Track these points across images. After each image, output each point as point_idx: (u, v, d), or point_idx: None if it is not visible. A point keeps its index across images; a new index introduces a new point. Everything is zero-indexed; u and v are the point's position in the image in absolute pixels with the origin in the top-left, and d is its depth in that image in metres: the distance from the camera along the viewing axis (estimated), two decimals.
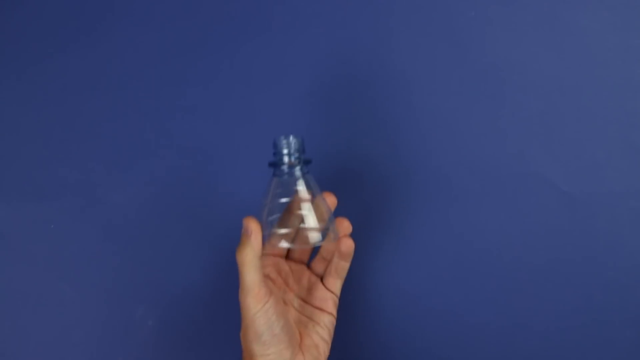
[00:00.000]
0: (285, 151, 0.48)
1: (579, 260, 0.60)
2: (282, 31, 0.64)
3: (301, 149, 0.48)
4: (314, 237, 0.48)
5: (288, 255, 0.55)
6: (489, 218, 0.60)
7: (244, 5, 0.64)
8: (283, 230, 0.48)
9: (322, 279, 0.54)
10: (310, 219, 0.48)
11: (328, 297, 0.53)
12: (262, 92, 0.63)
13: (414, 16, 0.63)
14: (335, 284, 0.53)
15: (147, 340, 0.61)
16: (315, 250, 0.55)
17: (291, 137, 0.47)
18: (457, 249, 0.60)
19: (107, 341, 0.61)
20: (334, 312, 0.53)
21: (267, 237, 0.47)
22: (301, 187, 0.48)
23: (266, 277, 0.50)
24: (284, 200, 0.48)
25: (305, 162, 0.48)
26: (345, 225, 0.50)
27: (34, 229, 0.62)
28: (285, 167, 0.48)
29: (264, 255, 0.52)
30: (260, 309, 0.45)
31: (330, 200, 0.51)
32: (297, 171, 0.48)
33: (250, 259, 0.45)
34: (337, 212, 0.51)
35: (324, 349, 0.51)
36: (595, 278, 0.60)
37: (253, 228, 0.46)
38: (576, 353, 0.59)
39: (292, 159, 0.48)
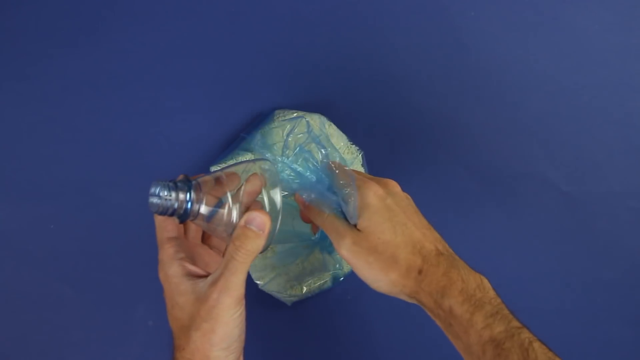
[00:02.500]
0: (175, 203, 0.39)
1: (579, 260, 0.60)
2: (282, 31, 0.64)
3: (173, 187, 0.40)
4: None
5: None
6: (489, 218, 0.60)
7: (244, 5, 0.64)
8: None
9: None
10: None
11: None
12: (261, 92, 0.63)
13: (414, 16, 0.63)
14: None
15: (147, 340, 0.61)
16: None
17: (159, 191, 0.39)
18: (457, 249, 0.60)
19: (107, 341, 0.61)
20: None
21: None
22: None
23: None
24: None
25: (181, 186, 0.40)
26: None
27: (34, 229, 0.62)
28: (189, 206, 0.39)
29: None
30: (237, 311, 0.39)
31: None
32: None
33: (253, 257, 0.40)
34: None
35: None
36: (595, 278, 0.60)
37: (267, 225, 0.40)
38: (576, 352, 0.59)
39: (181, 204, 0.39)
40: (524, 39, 0.62)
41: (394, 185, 0.47)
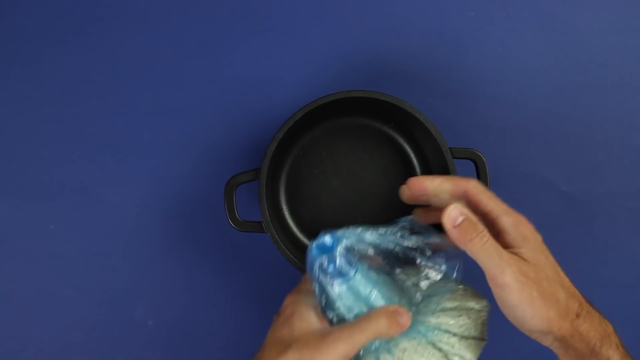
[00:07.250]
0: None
1: (579, 260, 0.60)
2: (282, 31, 0.64)
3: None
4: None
5: None
6: None
7: (242, 5, 0.64)
8: None
9: None
10: None
11: None
12: (260, 92, 0.63)
13: (414, 16, 0.63)
14: None
15: (147, 340, 0.61)
16: None
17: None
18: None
19: (107, 341, 0.61)
20: None
21: None
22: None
23: None
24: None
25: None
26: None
27: (34, 229, 0.62)
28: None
29: None
30: None
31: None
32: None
33: (374, 337, 0.42)
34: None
35: None
36: (595, 278, 0.60)
37: (408, 323, 0.43)
38: None
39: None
40: (524, 39, 0.62)
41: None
